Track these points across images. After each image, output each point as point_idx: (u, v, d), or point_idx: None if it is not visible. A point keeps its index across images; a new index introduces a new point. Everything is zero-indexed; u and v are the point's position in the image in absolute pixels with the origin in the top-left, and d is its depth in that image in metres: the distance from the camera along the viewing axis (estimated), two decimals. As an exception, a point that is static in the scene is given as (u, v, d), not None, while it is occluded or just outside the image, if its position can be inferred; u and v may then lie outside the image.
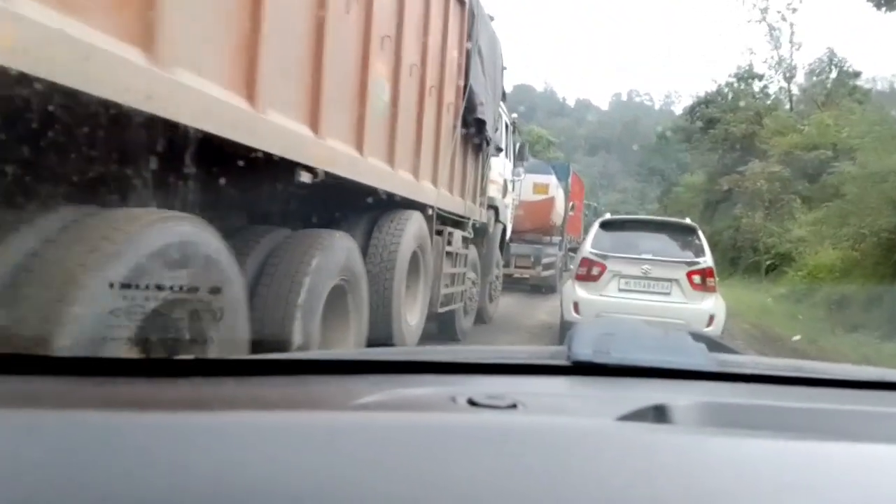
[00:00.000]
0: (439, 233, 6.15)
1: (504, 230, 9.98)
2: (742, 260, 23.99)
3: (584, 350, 1.06)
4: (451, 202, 6.57)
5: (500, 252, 9.99)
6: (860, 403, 1.00)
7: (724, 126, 27.74)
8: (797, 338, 10.08)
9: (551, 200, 14.18)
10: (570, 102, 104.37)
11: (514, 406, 0.77)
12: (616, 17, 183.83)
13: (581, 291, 6.84)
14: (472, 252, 7.96)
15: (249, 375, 0.98)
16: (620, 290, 6.75)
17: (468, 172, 7.39)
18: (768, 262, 21.08)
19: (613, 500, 0.53)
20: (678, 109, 57.90)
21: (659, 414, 0.76)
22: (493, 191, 9.17)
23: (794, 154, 24.08)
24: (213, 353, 2.31)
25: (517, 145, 10.83)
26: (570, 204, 18.96)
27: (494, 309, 9.98)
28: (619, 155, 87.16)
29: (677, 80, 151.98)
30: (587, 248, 7.14)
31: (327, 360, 1.16)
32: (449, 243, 6.44)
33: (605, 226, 7.48)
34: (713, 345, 1.24)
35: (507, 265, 12.29)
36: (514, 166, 10.76)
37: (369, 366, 1.11)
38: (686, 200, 36.69)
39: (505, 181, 9.93)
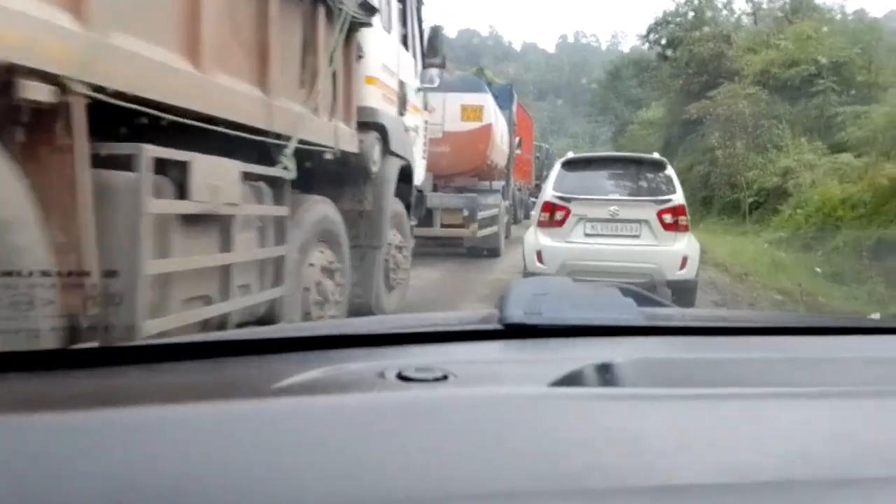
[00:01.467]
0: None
1: (408, 170, 5.86)
2: (717, 199, 20.44)
3: (516, 312, 1.00)
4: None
5: (405, 208, 5.92)
6: (785, 351, 1.01)
7: (688, 47, 23.83)
8: (876, 316, 6.40)
9: (488, 130, 10.07)
10: (517, 46, 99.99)
11: (444, 378, 0.74)
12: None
13: (544, 239, 6.28)
14: (317, 210, 3.98)
15: (158, 362, 0.88)
16: (587, 235, 6.21)
17: (291, 44, 3.36)
18: (751, 200, 17.53)
19: (548, 469, 0.52)
20: (626, 49, 54.41)
21: (591, 376, 0.76)
22: (377, 98, 5.08)
23: (772, 73, 20.40)
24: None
25: (425, 31, 6.59)
26: (517, 139, 14.91)
27: (398, 300, 5.96)
28: (568, 98, 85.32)
29: (623, 20, 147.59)
30: (549, 191, 6.48)
31: (245, 339, 1.05)
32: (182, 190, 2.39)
33: (568, 165, 6.72)
34: (642, 298, 1.20)
35: (426, 223, 8.23)
36: (423, 67, 6.55)
37: (291, 343, 0.98)
38: (643, 138, 33.04)
39: (402, 86, 5.77)
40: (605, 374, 0.75)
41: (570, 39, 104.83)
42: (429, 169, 8.72)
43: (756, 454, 0.54)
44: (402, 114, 5.72)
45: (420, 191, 6.63)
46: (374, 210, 5.03)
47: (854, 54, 19.44)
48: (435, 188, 10.21)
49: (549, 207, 6.31)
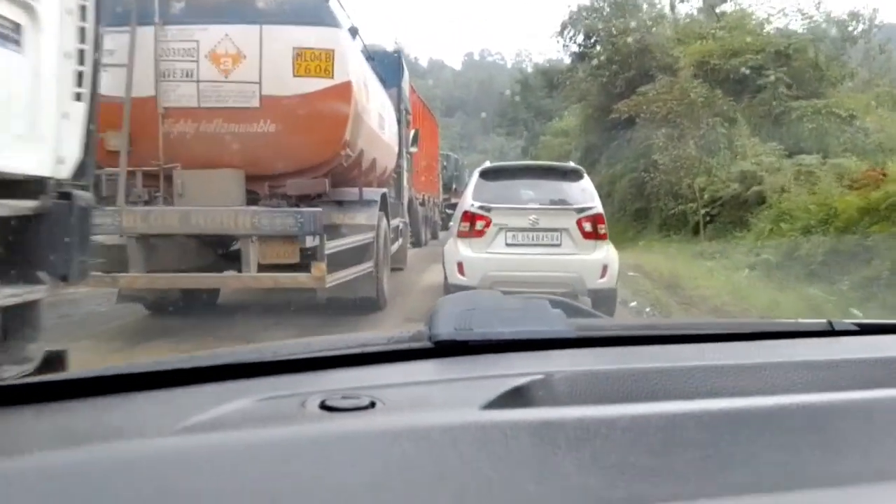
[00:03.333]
0: None
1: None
2: (655, 211, 16.76)
3: (446, 328, 0.95)
4: None
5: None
6: (721, 357, 0.96)
7: (610, 40, 20.24)
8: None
9: (344, 93, 5.45)
10: (424, 63, 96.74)
11: (372, 405, 0.70)
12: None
13: (465, 250, 6.01)
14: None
15: (52, 401, 0.77)
16: (508, 245, 5.98)
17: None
18: (705, 212, 13.80)
19: (480, 499, 0.51)
20: (530, 68, 51.59)
21: (522, 395, 0.74)
22: None
23: (710, 64, 16.99)
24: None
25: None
26: (412, 131, 10.44)
27: None
28: (476, 114, 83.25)
29: (527, 40, 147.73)
30: (468, 201, 6.22)
31: (151, 371, 0.90)
32: None
33: (486, 175, 6.45)
34: (572, 310, 1.17)
35: (230, 262, 3.68)
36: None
37: (204, 373, 0.87)
38: (556, 148, 29.56)
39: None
40: (537, 391, 0.74)
41: (476, 57, 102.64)
42: (227, 163, 4.34)
43: (697, 471, 0.54)
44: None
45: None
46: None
47: (805, 40, 16.26)
48: (255, 199, 5.54)
49: (469, 217, 6.04)
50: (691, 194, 14.68)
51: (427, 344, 0.94)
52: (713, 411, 0.65)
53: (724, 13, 19.76)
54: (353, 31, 6.20)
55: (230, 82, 5.26)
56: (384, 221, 6.81)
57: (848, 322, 1.14)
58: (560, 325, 1.01)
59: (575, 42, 24.04)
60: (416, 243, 15.43)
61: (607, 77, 20.19)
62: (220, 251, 5.50)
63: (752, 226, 12.62)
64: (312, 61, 5.25)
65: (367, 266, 6.00)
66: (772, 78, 15.82)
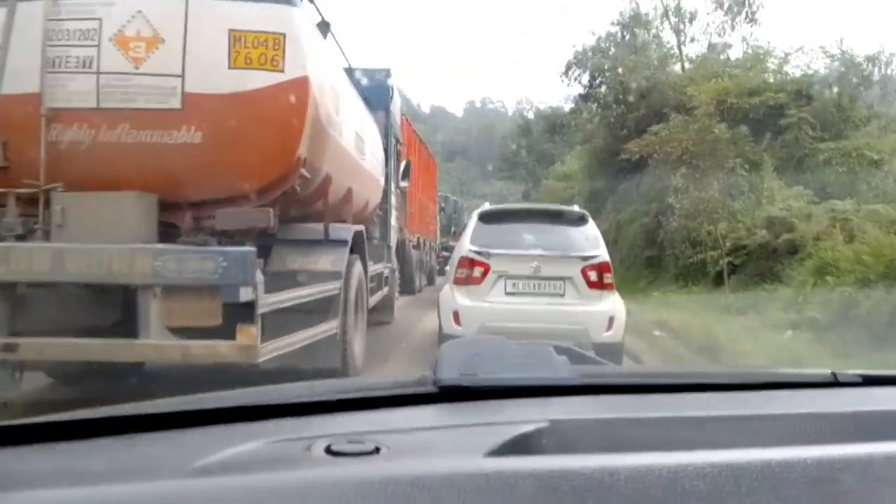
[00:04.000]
0: None
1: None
2: (669, 260, 15.26)
3: (451, 373, 0.94)
4: None
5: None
6: (725, 407, 0.95)
7: (619, 78, 19.09)
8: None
9: (300, 90, 3.97)
10: (426, 109, 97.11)
11: (377, 450, 0.70)
12: (467, 23, 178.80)
13: (461, 298, 5.57)
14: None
15: (64, 440, 0.77)
16: (507, 294, 5.55)
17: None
18: (729, 260, 12.28)
19: None
20: (531, 115, 51.02)
21: (525, 442, 0.73)
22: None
23: (728, 103, 15.74)
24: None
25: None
26: (403, 163, 9.01)
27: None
28: (476, 160, 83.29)
29: (528, 89, 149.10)
30: (466, 245, 5.76)
31: (160, 412, 0.91)
32: None
33: (485, 218, 6.03)
34: (576, 356, 1.15)
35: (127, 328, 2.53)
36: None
37: (212, 415, 0.88)
38: (559, 192, 28.26)
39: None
40: (541, 439, 0.74)
41: (478, 104, 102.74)
42: (134, 184, 2.77)
43: None
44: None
45: None
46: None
47: (829, 79, 15.05)
48: (174, 235, 4.02)
49: (467, 263, 5.64)
50: (711, 241, 13.20)
51: (431, 389, 0.93)
52: (715, 463, 0.64)
53: (743, 52, 18.67)
54: (324, 28, 4.80)
55: (142, 74, 3.81)
56: (358, 267, 5.28)
57: (852, 373, 1.11)
58: (564, 372, 1.00)
59: (580, 82, 22.95)
60: (409, 290, 13.88)
61: (614, 117, 18.97)
62: (121, 307, 3.94)
63: (784, 277, 11.13)
64: (255, 48, 3.80)
65: (328, 327, 4.45)
66: (795, 118, 14.53)
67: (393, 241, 8.50)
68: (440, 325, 5.76)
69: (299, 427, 0.82)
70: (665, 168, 15.13)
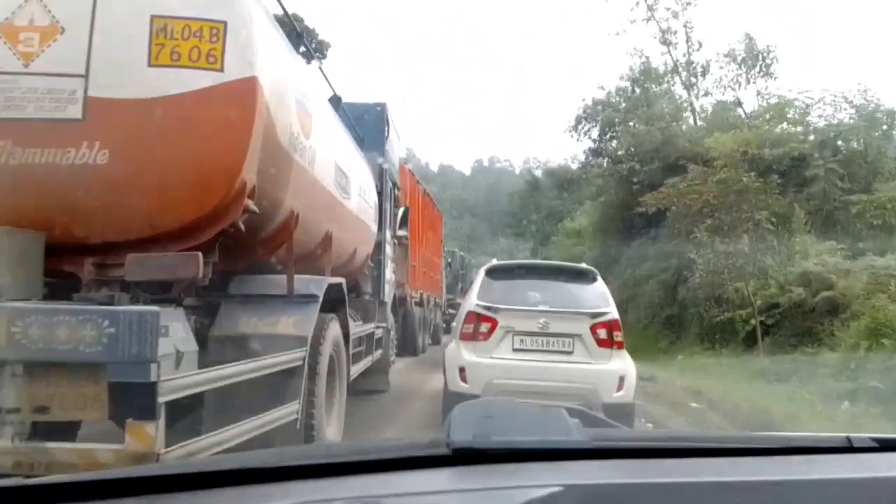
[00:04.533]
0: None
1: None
2: (690, 319, 14.04)
3: (464, 436, 0.94)
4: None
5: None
6: (739, 473, 0.95)
7: (630, 131, 18.30)
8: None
9: (245, 95, 2.95)
10: (434, 167, 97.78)
11: None
12: (474, 83, 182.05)
13: (468, 354, 5.34)
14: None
15: (80, 500, 0.77)
16: (515, 350, 5.34)
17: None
18: (761, 320, 11.05)
19: None
20: (539, 173, 50.61)
21: None
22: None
23: (749, 154, 14.81)
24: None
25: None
26: (401, 209, 8.00)
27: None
28: (484, 217, 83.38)
29: (535, 147, 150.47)
30: (473, 300, 5.61)
31: (173, 474, 0.88)
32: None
33: (493, 273, 5.88)
34: (589, 419, 1.16)
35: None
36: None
37: (226, 476, 0.86)
38: (568, 248, 27.20)
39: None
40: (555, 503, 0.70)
41: (486, 163, 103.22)
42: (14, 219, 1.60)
43: None
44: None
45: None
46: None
47: (857, 128, 14.13)
48: (71, 288, 2.93)
49: (474, 318, 5.46)
50: (739, 299, 12.02)
51: (445, 451, 0.93)
52: None
53: (758, 105, 17.89)
54: (294, 34, 3.85)
55: (33, 74, 2.82)
56: (334, 330, 4.16)
57: (867, 437, 1.08)
58: (577, 435, 0.99)
59: (589, 137, 22.23)
60: (411, 351, 12.69)
61: (627, 171, 18.07)
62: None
63: (825, 339, 9.90)
64: (186, 41, 2.82)
65: (285, 412, 3.31)
66: (822, 169, 13.54)
67: (388, 297, 7.39)
68: (445, 383, 5.51)
69: (315, 489, 0.81)
70: (685, 222, 14.11)
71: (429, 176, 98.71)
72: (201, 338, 3.49)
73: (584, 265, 6.49)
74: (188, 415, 3.25)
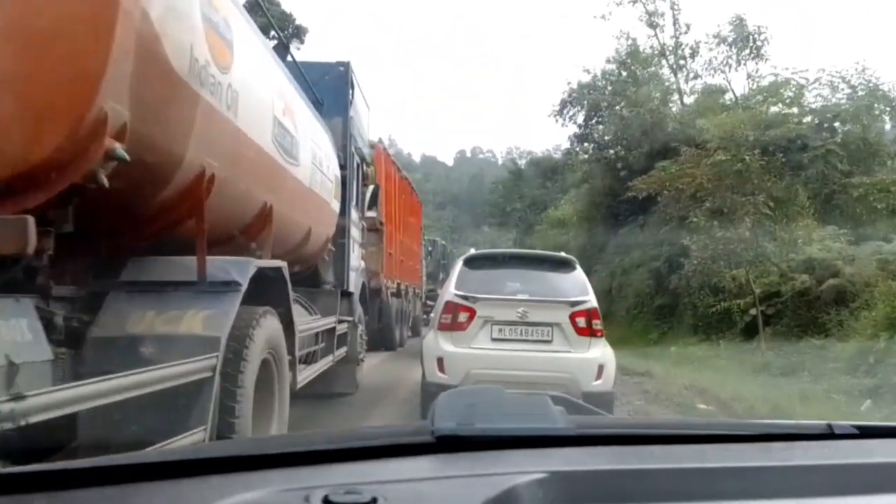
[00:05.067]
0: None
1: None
2: (684, 309, 13.25)
3: (448, 423, 0.93)
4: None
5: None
6: (721, 459, 0.94)
7: (619, 113, 17.44)
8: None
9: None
10: (416, 158, 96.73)
11: (374, 501, 0.69)
12: (456, 73, 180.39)
13: (446, 344, 5.25)
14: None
15: (63, 489, 0.76)
16: (493, 340, 5.27)
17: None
18: (762, 310, 10.25)
19: None
20: (522, 163, 49.66)
21: (522, 494, 0.73)
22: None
23: (744, 136, 14.02)
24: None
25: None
26: (371, 187, 7.02)
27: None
28: (467, 208, 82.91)
29: (517, 137, 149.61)
30: (450, 290, 5.51)
31: (156, 461, 0.88)
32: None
33: (471, 263, 5.80)
34: (572, 406, 1.17)
35: None
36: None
37: (208, 464, 0.85)
38: (553, 237, 26.39)
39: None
40: (538, 490, 0.73)
41: (468, 154, 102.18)
42: None
43: None
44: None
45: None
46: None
47: (858, 108, 13.38)
48: None
49: (452, 308, 5.34)
50: (736, 288, 11.23)
51: (429, 438, 0.93)
52: None
53: (748, 89, 17.12)
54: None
55: None
56: (269, 327, 3.20)
57: (847, 424, 1.09)
58: (561, 423, 1.00)
59: (574, 122, 21.34)
60: (388, 345, 11.76)
61: (613, 156, 17.23)
62: None
63: (831, 330, 9.14)
64: None
65: (184, 443, 2.35)
66: (822, 150, 12.76)
67: (355, 287, 6.43)
68: (423, 373, 5.39)
69: (297, 477, 0.81)
70: (676, 207, 13.29)
71: (411, 166, 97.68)
72: (76, 340, 2.55)
73: (563, 253, 6.36)
74: (56, 451, 2.32)
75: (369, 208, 6.71)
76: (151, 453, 0.89)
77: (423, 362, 5.40)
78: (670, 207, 13.43)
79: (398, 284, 11.88)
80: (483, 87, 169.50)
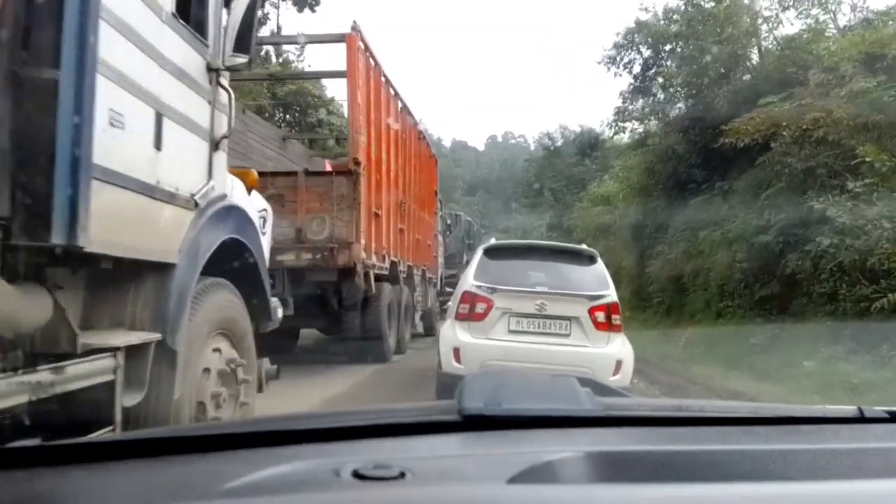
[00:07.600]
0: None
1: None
2: (802, 303, 8.92)
3: (475, 403, 0.93)
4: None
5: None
6: (747, 441, 0.93)
7: (697, 44, 13.03)
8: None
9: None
10: (447, 143, 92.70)
11: (402, 475, 0.68)
12: (489, 58, 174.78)
13: (463, 334, 5.17)
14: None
15: (98, 461, 0.77)
16: (511, 332, 5.16)
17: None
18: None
19: None
20: (558, 142, 45.02)
21: (549, 471, 0.71)
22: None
23: (888, 56, 9.58)
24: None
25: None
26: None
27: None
28: (499, 194, 78.94)
29: (550, 123, 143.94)
30: (469, 280, 5.41)
31: (190, 436, 0.92)
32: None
33: (490, 253, 5.71)
34: (599, 388, 1.12)
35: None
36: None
37: (239, 439, 0.87)
38: (595, 217, 21.99)
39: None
40: (560, 469, 0.72)
41: (499, 139, 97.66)
42: None
43: None
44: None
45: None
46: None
47: None
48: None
49: (470, 298, 5.26)
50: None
51: (456, 417, 0.92)
52: (739, 496, 0.63)
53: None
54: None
55: None
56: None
57: (879, 409, 1.05)
58: (587, 404, 0.98)
59: (629, 71, 16.89)
60: (377, 355, 7.80)
61: (693, 97, 12.85)
62: None
63: None
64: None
65: None
66: None
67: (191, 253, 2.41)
68: (439, 363, 5.32)
69: (327, 452, 0.82)
70: (800, 156, 8.97)
71: (442, 151, 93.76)
72: None
73: (584, 246, 6.13)
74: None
75: (241, 48, 2.71)
76: (185, 428, 0.89)
77: (440, 352, 5.32)
78: (789, 156, 9.11)
79: (393, 263, 7.84)
80: (516, 70, 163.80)
